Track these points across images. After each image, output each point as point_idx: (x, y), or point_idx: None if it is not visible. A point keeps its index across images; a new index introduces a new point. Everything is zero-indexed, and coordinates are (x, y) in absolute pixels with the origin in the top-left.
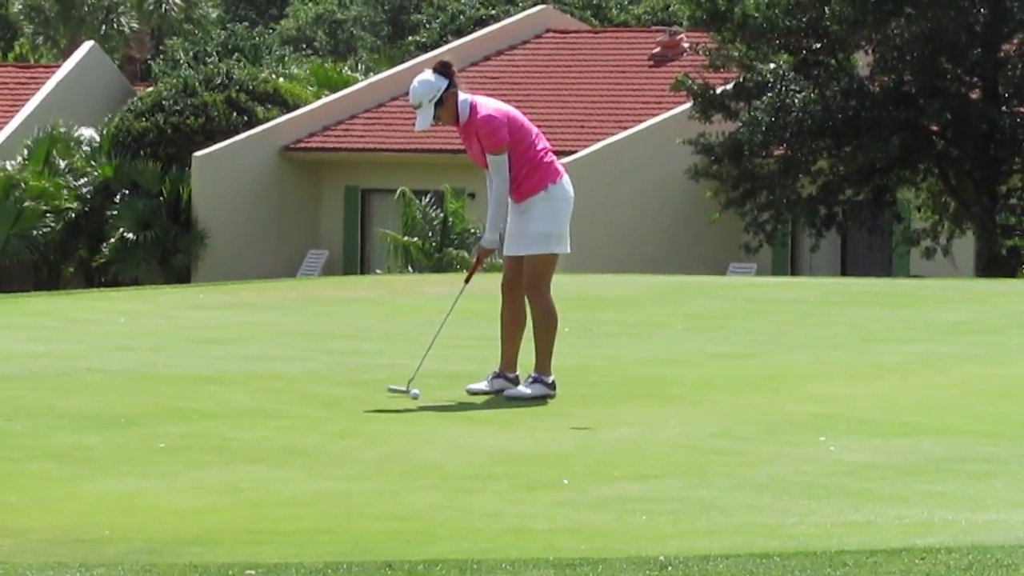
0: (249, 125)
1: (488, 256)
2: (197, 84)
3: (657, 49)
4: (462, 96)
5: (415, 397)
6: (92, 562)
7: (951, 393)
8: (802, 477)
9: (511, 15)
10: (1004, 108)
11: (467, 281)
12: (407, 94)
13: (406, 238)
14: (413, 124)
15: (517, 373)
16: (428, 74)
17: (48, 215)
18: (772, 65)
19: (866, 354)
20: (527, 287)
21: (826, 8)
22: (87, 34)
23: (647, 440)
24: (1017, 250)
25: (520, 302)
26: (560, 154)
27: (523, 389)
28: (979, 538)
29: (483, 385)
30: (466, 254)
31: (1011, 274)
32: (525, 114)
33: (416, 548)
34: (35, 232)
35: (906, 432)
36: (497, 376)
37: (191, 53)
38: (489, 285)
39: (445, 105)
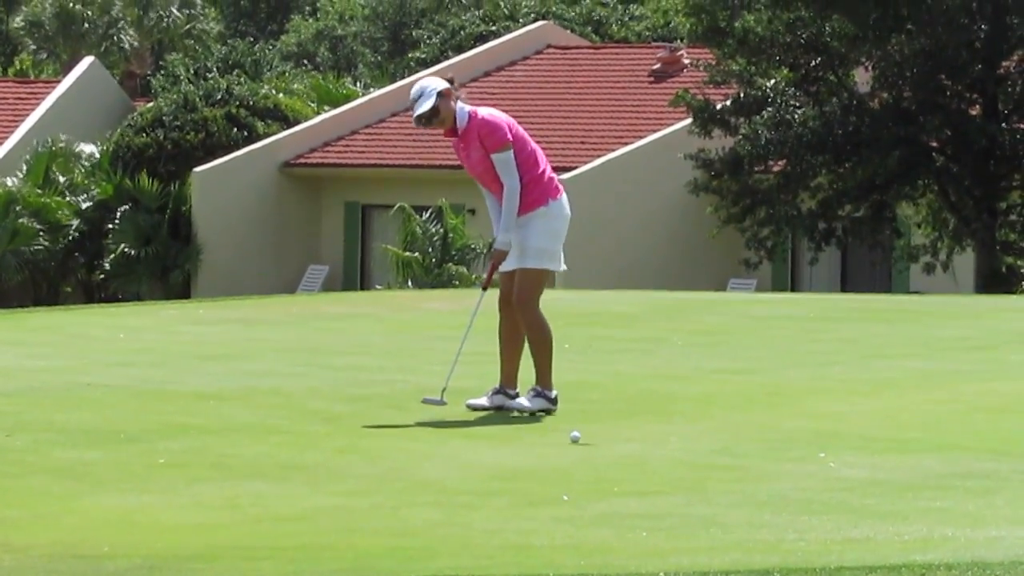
0: (249, 141)
1: (503, 259)
2: (197, 100)
3: (657, 65)
4: (460, 105)
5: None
6: None
7: (951, 409)
8: (802, 494)
9: (512, 31)
10: (1004, 124)
11: (485, 288)
12: (408, 110)
13: (406, 253)
14: (414, 141)
15: (517, 390)
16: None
17: (42, 233)
18: (772, 81)
19: (866, 370)
20: (516, 302)
21: (826, 24)
22: (87, 49)
23: (647, 456)
24: (1015, 267)
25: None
26: (560, 170)
27: (523, 402)
28: (979, 555)
29: (483, 401)
30: (466, 270)
31: (1011, 290)
32: (526, 130)
33: (416, 564)
34: (29, 249)
35: (906, 448)
36: (497, 392)
37: (191, 69)
38: (487, 300)
39: (444, 98)
